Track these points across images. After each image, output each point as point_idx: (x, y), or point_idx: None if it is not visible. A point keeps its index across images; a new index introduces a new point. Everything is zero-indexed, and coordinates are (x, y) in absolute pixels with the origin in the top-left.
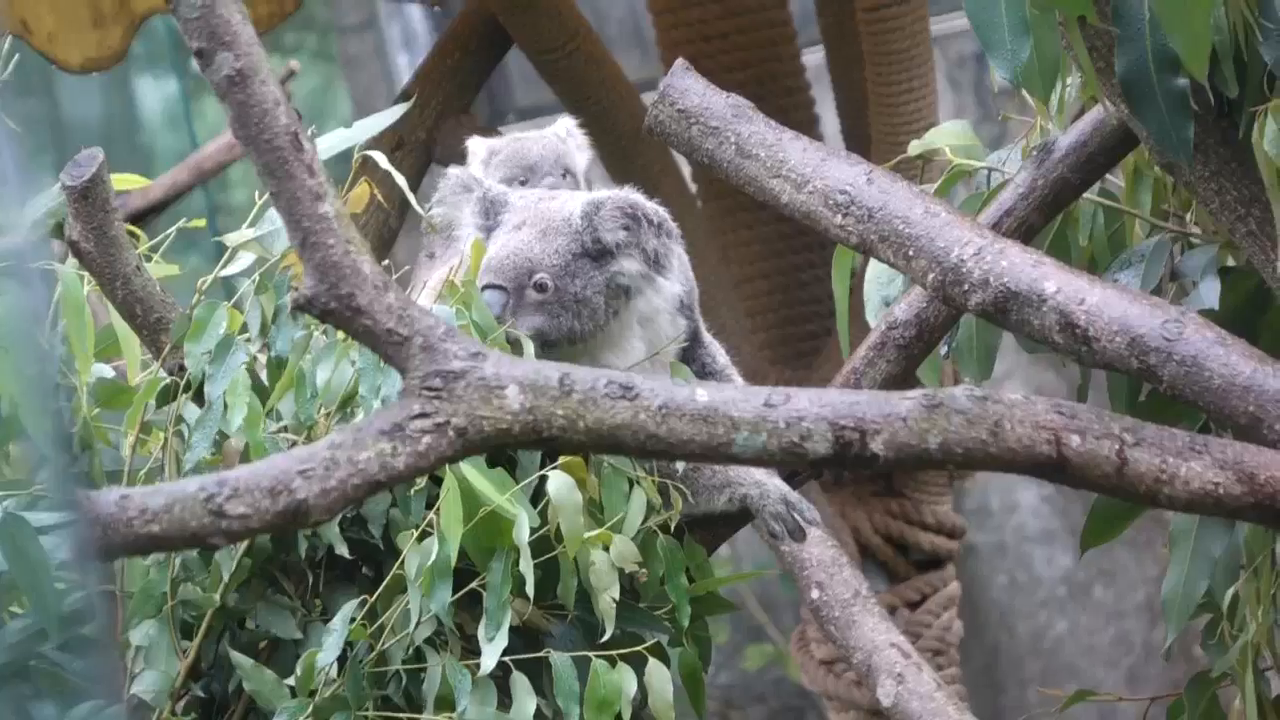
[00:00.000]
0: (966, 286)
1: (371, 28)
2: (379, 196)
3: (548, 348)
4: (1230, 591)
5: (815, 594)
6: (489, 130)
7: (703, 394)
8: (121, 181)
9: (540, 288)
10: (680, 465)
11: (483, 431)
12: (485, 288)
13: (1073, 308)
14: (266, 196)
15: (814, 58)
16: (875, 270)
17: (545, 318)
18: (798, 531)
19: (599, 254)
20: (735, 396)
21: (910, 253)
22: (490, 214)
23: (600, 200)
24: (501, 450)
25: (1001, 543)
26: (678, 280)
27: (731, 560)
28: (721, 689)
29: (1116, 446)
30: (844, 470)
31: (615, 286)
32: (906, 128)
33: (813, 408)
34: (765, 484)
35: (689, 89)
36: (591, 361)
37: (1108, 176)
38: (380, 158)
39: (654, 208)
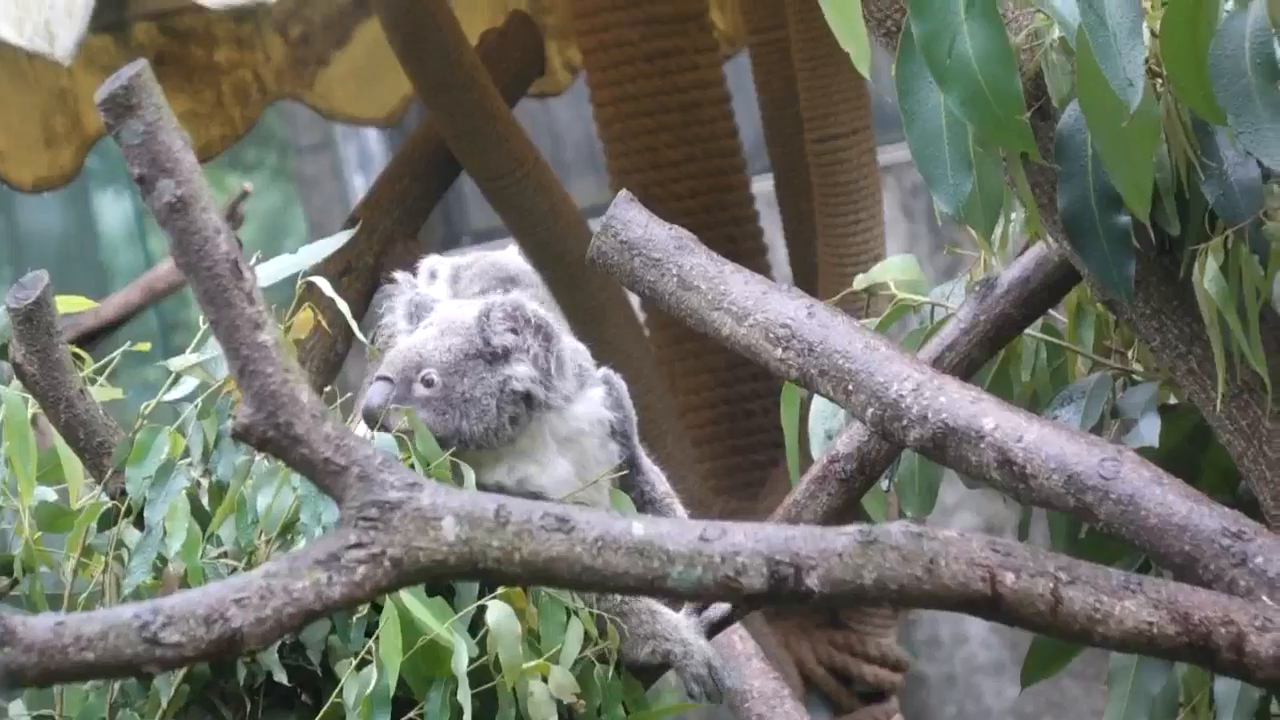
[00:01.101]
0: (905, 422)
1: (328, 148)
2: (323, 323)
3: (443, 449)
4: None
5: None
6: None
7: (639, 527)
8: (69, 304)
9: (427, 383)
10: (617, 598)
11: (419, 562)
12: (375, 379)
13: (1010, 444)
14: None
15: (763, 186)
16: (819, 404)
17: (431, 414)
18: (715, 695)
19: (492, 358)
20: (671, 530)
21: (850, 387)
22: (416, 317)
23: (491, 304)
24: (439, 580)
25: (951, 674)
26: (575, 390)
27: (678, 688)
28: None
29: (1051, 585)
30: (779, 605)
31: (511, 392)
32: (854, 259)
33: (748, 542)
34: (690, 644)
35: (632, 220)
36: (510, 472)
37: (1050, 312)
38: (324, 284)
39: (536, 311)
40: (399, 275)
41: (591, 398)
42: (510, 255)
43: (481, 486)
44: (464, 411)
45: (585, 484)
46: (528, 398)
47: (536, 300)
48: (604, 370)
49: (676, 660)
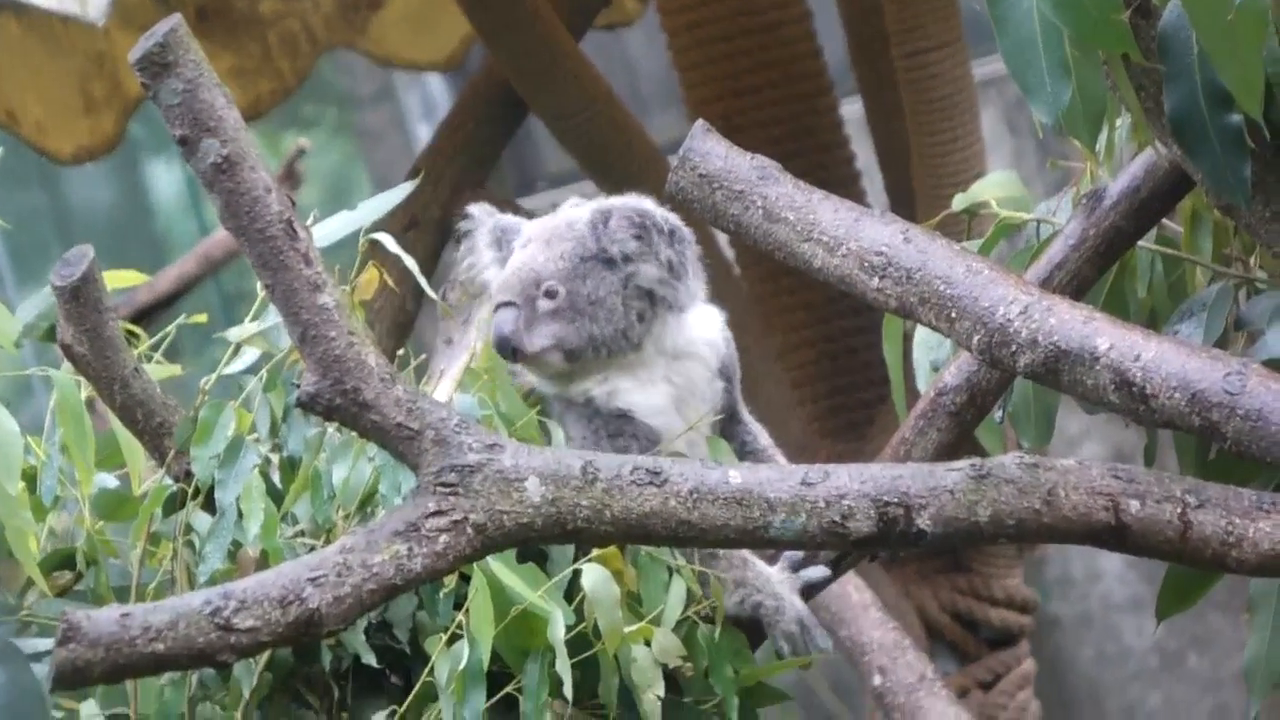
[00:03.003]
0: (1014, 348)
1: (389, 98)
2: (389, 281)
3: (573, 361)
4: None
5: (878, 680)
6: (508, 205)
7: (736, 476)
8: (120, 279)
9: (550, 294)
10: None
11: (503, 527)
12: (497, 308)
13: (1127, 364)
14: None
15: (853, 109)
16: (923, 334)
17: (562, 324)
18: (805, 655)
19: (610, 263)
20: (771, 476)
21: (953, 314)
22: (503, 243)
23: (607, 210)
24: (527, 545)
25: (1087, 613)
26: (705, 315)
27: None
28: None
29: (1179, 510)
30: (890, 550)
31: (635, 288)
32: (952, 180)
33: (853, 484)
34: (783, 599)
35: (710, 152)
36: (603, 382)
37: (1165, 222)
38: (387, 240)
39: (665, 215)
40: (474, 208)
41: (709, 315)
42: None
43: (567, 401)
44: (593, 316)
45: (686, 426)
46: (652, 296)
47: None
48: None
49: (767, 615)
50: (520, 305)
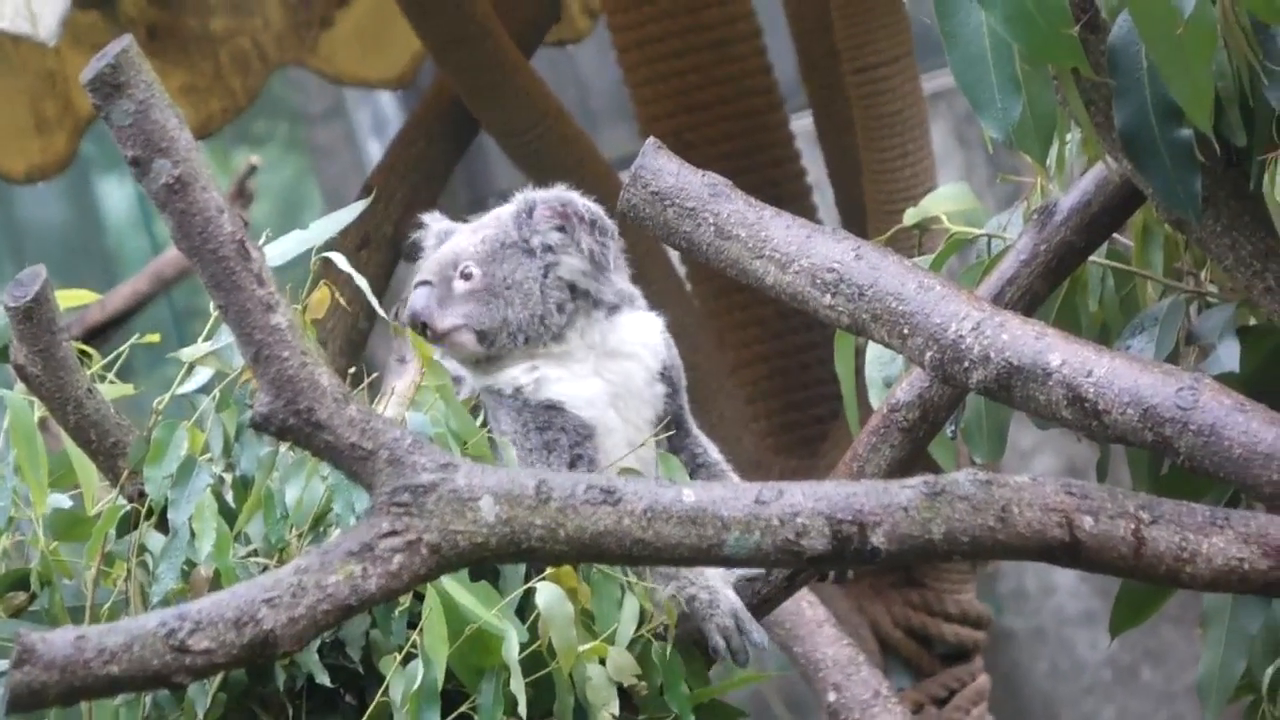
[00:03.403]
0: (967, 364)
1: (340, 115)
2: (341, 300)
3: (485, 343)
4: (1270, 670)
5: (832, 696)
6: (460, 221)
7: (690, 494)
8: (72, 298)
9: (466, 275)
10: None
11: (458, 547)
12: (415, 286)
13: (1080, 380)
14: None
15: (803, 124)
16: (875, 350)
17: (475, 305)
18: (741, 653)
19: (530, 251)
20: (725, 494)
21: (905, 331)
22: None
23: (532, 200)
24: (481, 564)
25: (1040, 627)
26: (628, 299)
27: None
28: None
29: (1132, 526)
30: (844, 568)
31: (556, 278)
32: (903, 194)
33: (807, 502)
34: (718, 592)
35: (662, 169)
36: (530, 370)
37: (1116, 236)
38: (339, 258)
39: (588, 205)
40: (426, 216)
41: (648, 320)
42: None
43: (497, 394)
44: (508, 299)
45: (625, 425)
46: (574, 289)
47: None
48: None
49: (701, 608)
50: (435, 284)
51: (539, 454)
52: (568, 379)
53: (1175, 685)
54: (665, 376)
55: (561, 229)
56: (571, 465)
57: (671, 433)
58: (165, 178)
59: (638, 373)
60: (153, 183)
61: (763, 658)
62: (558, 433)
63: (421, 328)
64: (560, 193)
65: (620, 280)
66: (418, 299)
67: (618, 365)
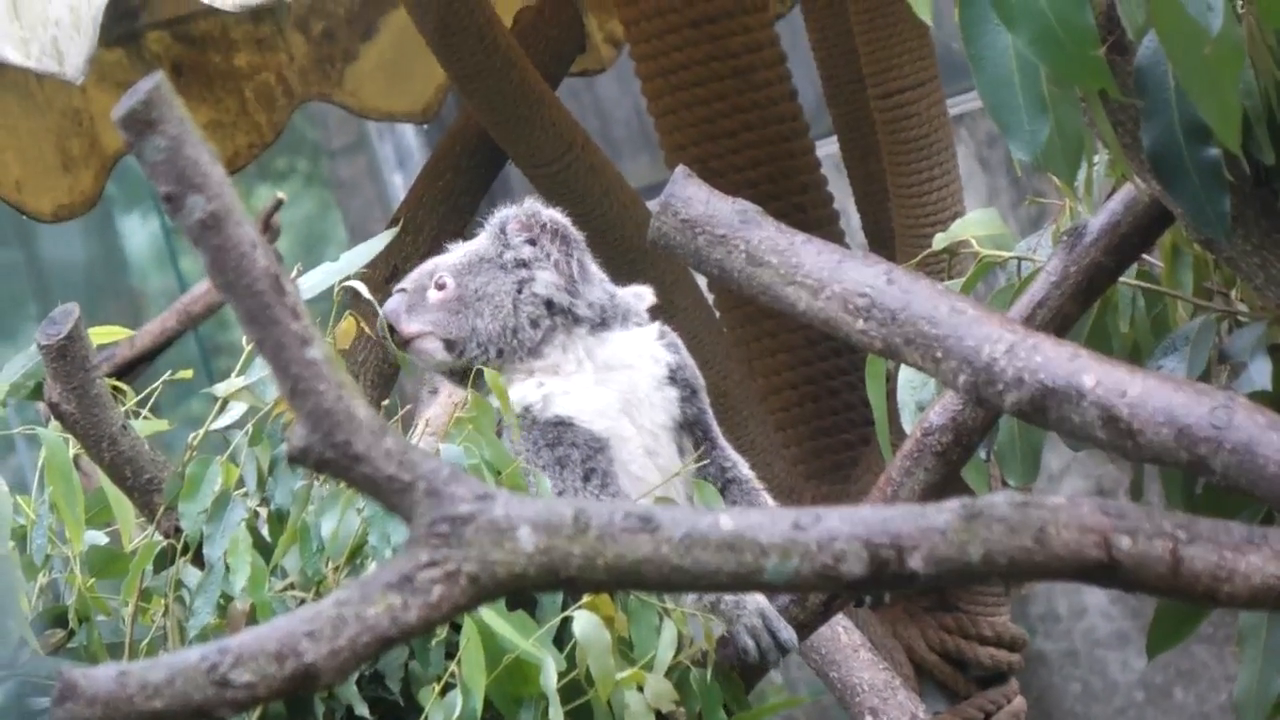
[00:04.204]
0: (1000, 386)
1: (363, 149)
2: (368, 330)
3: (454, 352)
4: None
5: None
6: None
7: (727, 520)
8: (103, 334)
9: (440, 286)
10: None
11: (497, 577)
12: (394, 291)
13: (1114, 401)
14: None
15: (829, 149)
16: (907, 374)
17: (445, 314)
18: (772, 652)
19: (510, 266)
20: (762, 521)
21: (938, 354)
22: None
23: (504, 217)
24: (519, 594)
25: (1072, 649)
26: (608, 303)
27: (785, 687)
28: None
29: (1170, 545)
30: (882, 592)
31: (531, 294)
32: (930, 219)
33: (844, 527)
34: (741, 593)
35: (692, 197)
36: (538, 387)
37: (1145, 257)
38: (362, 287)
39: (553, 217)
40: (450, 245)
41: (643, 333)
42: None
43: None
44: (478, 310)
45: (637, 431)
46: (550, 305)
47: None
48: (659, 324)
49: (727, 609)
50: (410, 292)
51: (552, 470)
52: (575, 393)
53: (1208, 705)
54: (675, 379)
55: (532, 242)
56: (585, 479)
57: (691, 431)
58: (199, 214)
59: (641, 380)
60: (186, 219)
61: (798, 683)
62: (568, 449)
63: (390, 331)
64: (528, 205)
65: (598, 294)
66: (389, 304)
67: (619, 376)
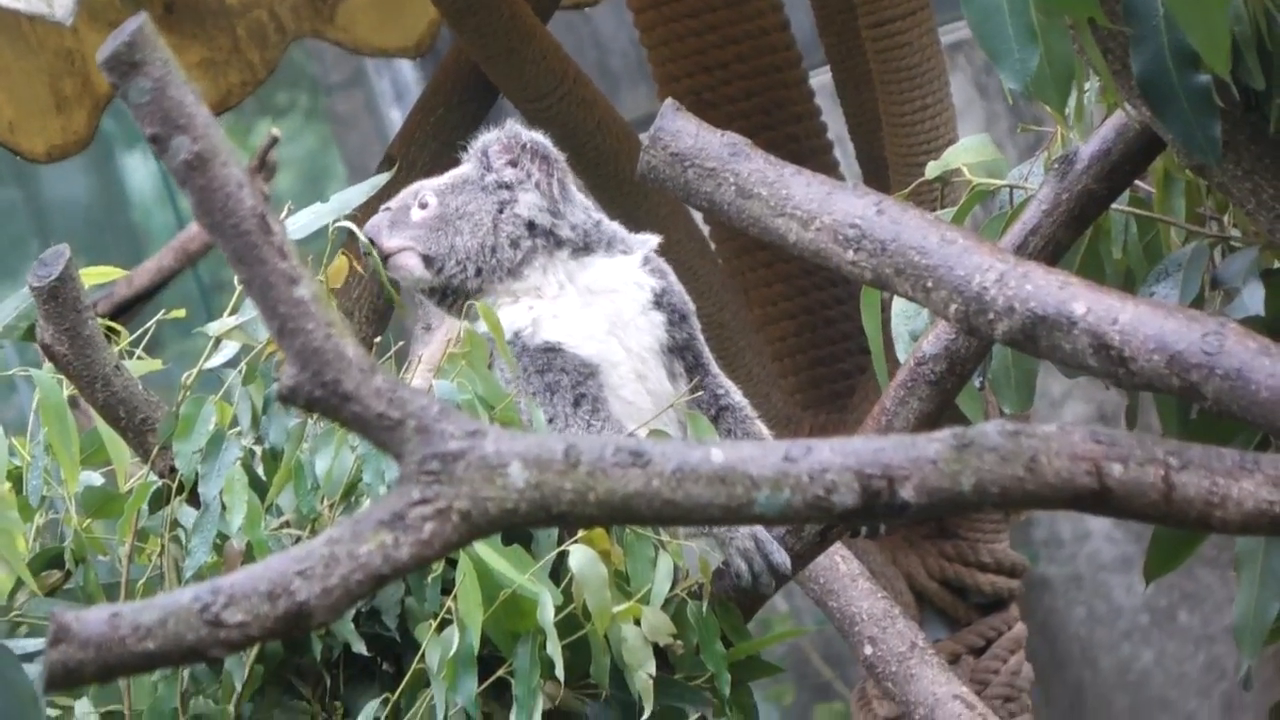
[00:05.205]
0: (991, 315)
1: (360, 83)
2: (360, 269)
3: (433, 269)
4: None
5: (869, 650)
6: None
7: (718, 454)
8: (97, 275)
9: (422, 205)
10: None
11: (488, 513)
12: (380, 211)
13: (1105, 328)
14: None
15: (822, 79)
16: (901, 304)
17: (425, 231)
18: (765, 575)
19: (493, 188)
20: (753, 453)
21: (929, 284)
22: None
23: (487, 140)
24: (512, 530)
25: (1076, 574)
26: (591, 227)
27: (791, 615)
28: None
29: (1161, 472)
30: (875, 523)
31: (513, 215)
32: (924, 148)
33: (836, 458)
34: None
35: (681, 130)
36: (527, 312)
37: (1137, 183)
38: (354, 228)
39: (533, 136)
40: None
41: (627, 260)
42: None
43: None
44: (458, 228)
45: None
46: (532, 226)
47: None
48: (644, 251)
49: (720, 533)
50: (394, 210)
51: (542, 397)
52: (564, 317)
53: (1213, 628)
54: (661, 303)
55: (514, 163)
56: (575, 405)
57: (681, 356)
58: (184, 154)
59: (626, 304)
60: (172, 159)
61: (803, 613)
62: (558, 374)
63: (371, 246)
64: (511, 128)
65: (580, 217)
66: (372, 220)
67: (606, 302)
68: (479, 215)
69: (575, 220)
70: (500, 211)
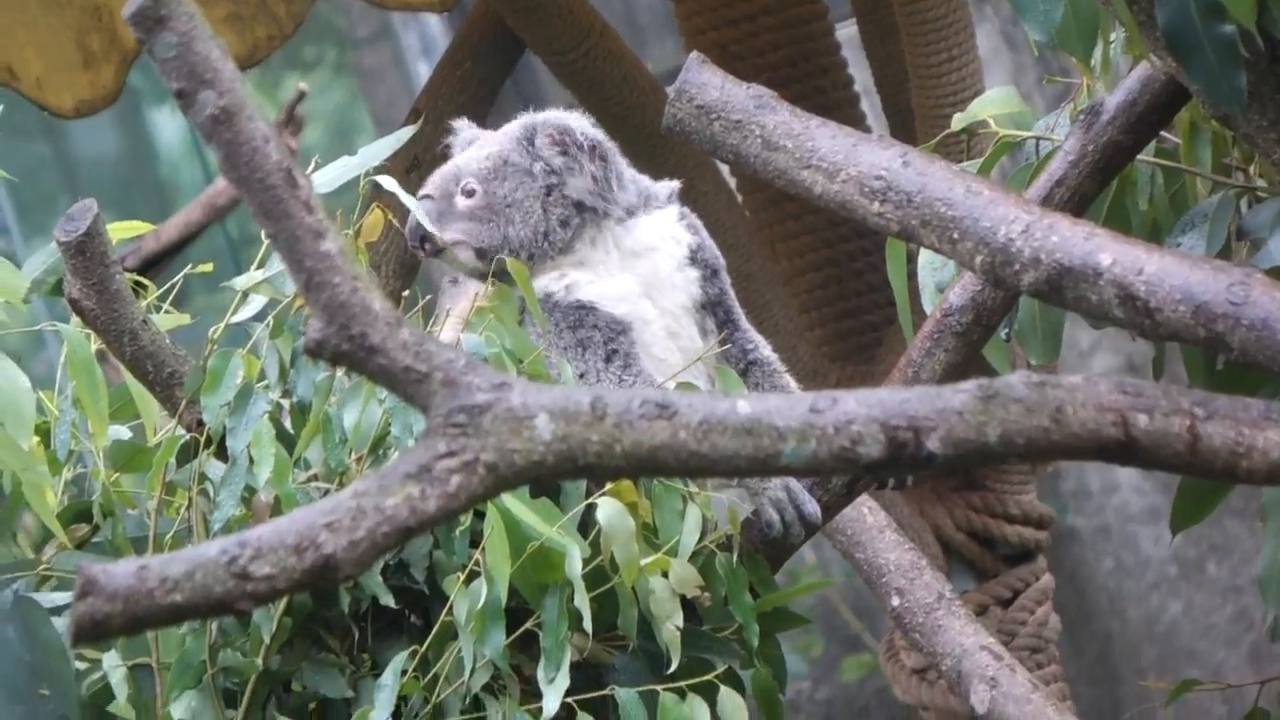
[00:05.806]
0: (1017, 266)
1: (387, 37)
2: (394, 221)
3: (484, 259)
4: None
5: (896, 601)
6: None
7: (744, 405)
8: (125, 229)
9: (467, 193)
10: None
11: (515, 465)
12: (419, 199)
13: (1131, 279)
14: None
15: (848, 31)
16: (926, 255)
17: (475, 223)
18: (795, 525)
19: (531, 173)
20: (779, 405)
21: (955, 235)
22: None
23: (532, 125)
24: (538, 482)
25: (1104, 525)
26: (639, 205)
27: (819, 567)
28: (821, 705)
29: (1187, 423)
30: (901, 474)
31: (561, 196)
32: (950, 99)
33: (862, 409)
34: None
35: (707, 83)
36: (560, 278)
37: (1163, 134)
38: (388, 181)
39: (585, 130)
40: (457, 123)
41: (663, 215)
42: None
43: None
44: (508, 217)
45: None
46: (580, 206)
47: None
48: (678, 205)
49: (751, 484)
50: (437, 199)
51: (573, 353)
52: (597, 281)
53: (1241, 579)
54: (696, 260)
55: (564, 153)
56: (607, 361)
57: (715, 313)
58: (210, 109)
59: (664, 262)
60: (198, 114)
61: (831, 564)
62: (590, 330)
63: (420, 241)
64: (559, 119)
65: (629, 193)
66: (419, 212)
67: (644, 261)
68: (528, 203)
69: (626, 201)
70: (548, 194)
